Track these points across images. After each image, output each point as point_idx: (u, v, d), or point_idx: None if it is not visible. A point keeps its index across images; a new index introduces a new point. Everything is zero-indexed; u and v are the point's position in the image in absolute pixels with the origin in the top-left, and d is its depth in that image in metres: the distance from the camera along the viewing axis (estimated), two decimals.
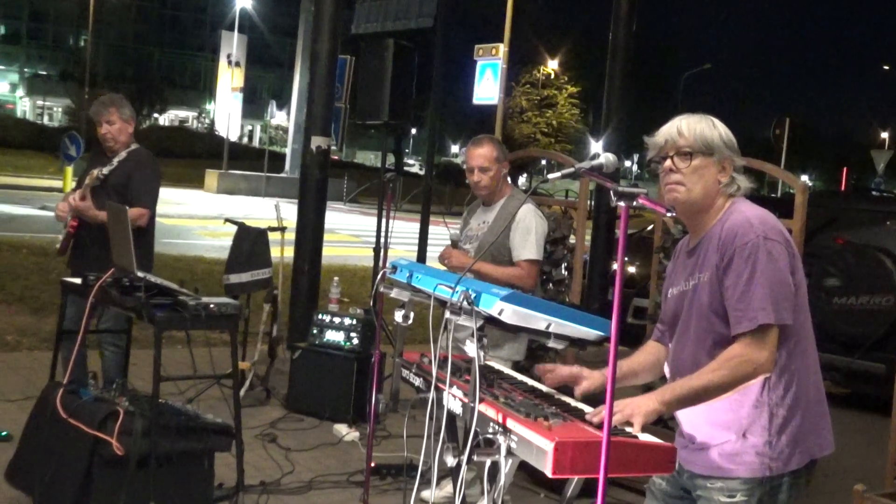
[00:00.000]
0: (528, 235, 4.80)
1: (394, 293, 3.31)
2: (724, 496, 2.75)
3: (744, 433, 2.73)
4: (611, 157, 2.59)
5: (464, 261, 4.72)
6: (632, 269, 10.45)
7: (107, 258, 5.34)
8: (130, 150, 5.74)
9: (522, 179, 52.54)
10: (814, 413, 2.80)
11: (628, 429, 2.59)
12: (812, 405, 2.80)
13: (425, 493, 4.46)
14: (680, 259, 3.00)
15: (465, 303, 2.70)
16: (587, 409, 2.76)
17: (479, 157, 4.85)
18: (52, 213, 5.80)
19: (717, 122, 2.84)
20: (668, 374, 2.98)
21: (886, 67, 71.08)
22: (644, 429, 2.61)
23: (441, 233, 6.08)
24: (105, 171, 5.60)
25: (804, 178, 57.57)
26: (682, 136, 2.80)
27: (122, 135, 5.71)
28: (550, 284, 6.05)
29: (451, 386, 2.84)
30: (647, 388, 3.22)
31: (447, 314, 2.83)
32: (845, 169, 62.08)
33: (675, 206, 2.84)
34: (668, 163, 2.82)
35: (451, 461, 2.67)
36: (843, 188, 54.71)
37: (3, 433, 5.52)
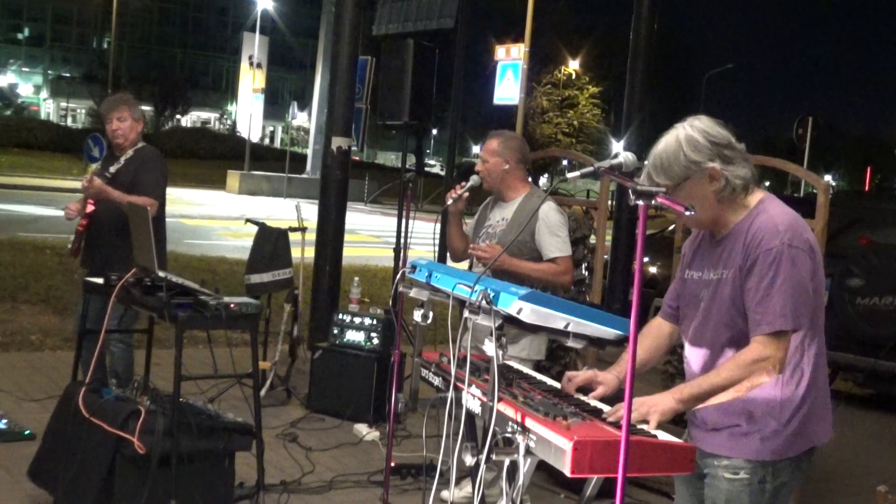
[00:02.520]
0: (559, 231, 4.84)
1: (413, 293, 3.31)
2: (729, 473, 2.85)
3: (753, 420, 2.82)
4: (630, 156, 2.59)
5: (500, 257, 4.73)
6: (653, 270, 10.42)
7: (116, 256, 5.39)
8: (137, 149, 5.76)
9: (544, 179, 52.52)
10: (819, 404, 2.90)
11: (644, 426, 2.62)
12: (819, 397, 2.89)
13: (445, 493, 4.46)
14: (703, 244, 3.03)
15: (483, 302, 2.69)
16: (606, 408, 2.76)
17: (484, 147, 5.03)
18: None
19: (681, 135, 2.81)
20: (686, 356, 3.03)
21: None
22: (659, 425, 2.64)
23: None
24: (112, 169, 5.63)
25: (828, 177, 57.21)
26: (655, 182, 2.82)
27: (131, 133, 5.73)
28: (571, 285, 6.03)
29: (469, 385, 2.85)
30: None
31: (466, 313, 2.83)
32: (869, 168, 61.68)
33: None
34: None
35: (469, 460, 2.67)
36: (867, 188, 54.31)
37: (27, 432, 5.56)
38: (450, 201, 4.90)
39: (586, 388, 2.99)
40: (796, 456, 2.86)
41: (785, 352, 2.74)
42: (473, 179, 4.95)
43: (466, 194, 4.88)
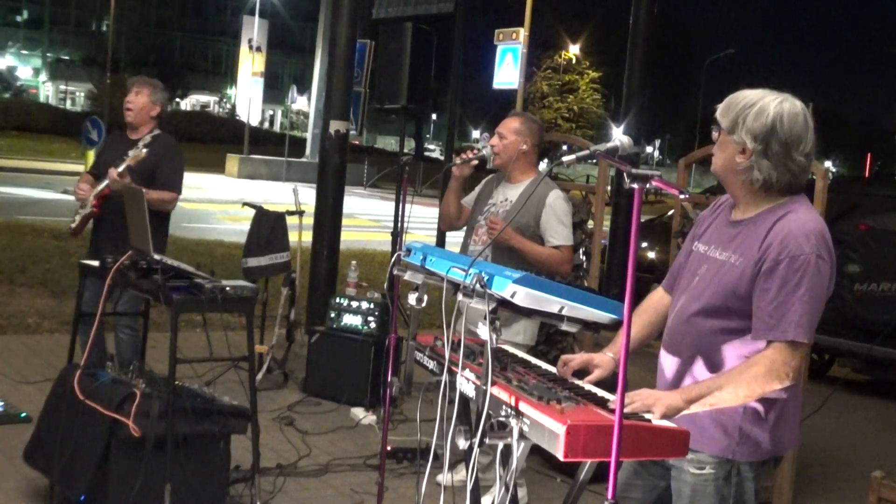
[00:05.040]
0: (565, 220, 4.87)
1: (408, 276, 3.29)
2: (694, 467, 2.82)
3: (721, 417, 2.77)
4: (626, 139, 2.58)
5: (509, 231, 4.72)
6: (651, 255, 10.41)
7: (124, 241, 5.34)
8: (155, 135, 5.71)
9: (543, 165, 52.52)
10: (791, 412, 2.85)
11: (647, 415, 2.59)
12: (791, 405, 2.84)
13: (440, 477, 4.46)
14: (721, 218, 2.96)
15: (477, 285, 2.68)
16: (600, 392, 2.75)
17: (503, 124, 5.02)
18: (73, 197, 5.79)
19: (773, 109, 2.73)
20: (660, 361, 2.99)
21: None
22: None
23: None
24: (131, 153, 5.53)
25: (827, 163, 57.15)
26: (719, 109, 2.81)
27: (142, 112, 5.69)
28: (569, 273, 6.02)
29: (463, 369, 2.83)
30: None
31: (460, 297, 2.82)
32: (869, 155, 61.61)
33: None
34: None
35: (462, 444, 2.66)
36: (866, 174, 54.25)
37: (23, 414, 5.56)
38: (458, 161, 4.90)
39: (582, 372, 2.98)
40: (759, 462, 2.82)
41: (800, 361, 2.69)
42: (486, 151, 4.94)
43: (475, 162, 4.88)
